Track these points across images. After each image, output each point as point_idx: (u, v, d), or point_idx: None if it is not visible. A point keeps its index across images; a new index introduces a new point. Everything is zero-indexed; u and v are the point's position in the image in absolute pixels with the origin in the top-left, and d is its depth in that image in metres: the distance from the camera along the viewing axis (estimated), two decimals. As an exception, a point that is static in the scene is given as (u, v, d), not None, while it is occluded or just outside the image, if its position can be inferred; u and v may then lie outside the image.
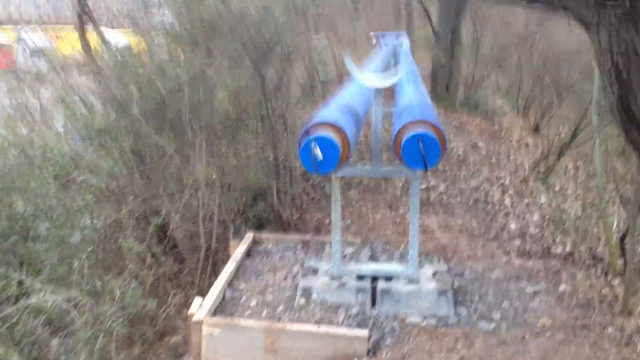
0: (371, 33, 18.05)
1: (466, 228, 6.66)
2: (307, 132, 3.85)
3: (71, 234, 4.94)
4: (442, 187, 8.24)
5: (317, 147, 3.64)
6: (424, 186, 7.78)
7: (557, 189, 9.86)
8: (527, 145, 12.84)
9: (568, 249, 6.38)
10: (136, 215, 5.90)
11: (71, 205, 5.30)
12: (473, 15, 15.32)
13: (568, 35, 14.25)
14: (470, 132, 11.67)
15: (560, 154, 9.48)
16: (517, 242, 6.48)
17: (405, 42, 14.52)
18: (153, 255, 5.61)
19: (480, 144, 10.92)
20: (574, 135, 9.03)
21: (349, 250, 5.73)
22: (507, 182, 8.94)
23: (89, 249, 4.81)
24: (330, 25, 21.50)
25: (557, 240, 6.63)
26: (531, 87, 15.96)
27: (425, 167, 3.78)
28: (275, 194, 6.48)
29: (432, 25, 12.86)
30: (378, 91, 4.48)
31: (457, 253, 5.90)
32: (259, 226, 6.69)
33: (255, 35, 6.20)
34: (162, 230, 6.05)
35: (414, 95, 4.98)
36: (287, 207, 6.64)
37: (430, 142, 3.73)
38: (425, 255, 5.62)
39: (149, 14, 8.47)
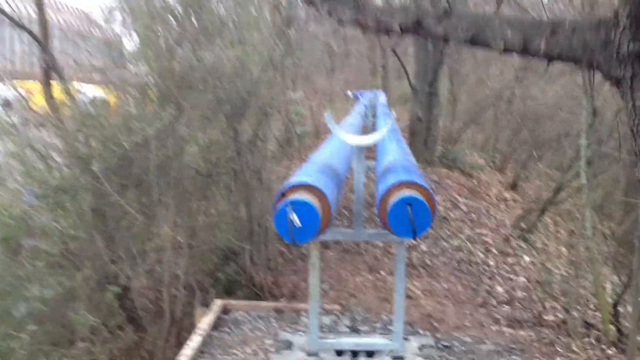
0: (348, 92, 18.01)
1: (452, 293, 6.26)
2: (282, 196, 3.46)
3: (16, 306, 4.41)
4: (424, 246, 7.87)
5: (294, 213, 3.25)
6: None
7: (539, 246, 9.56)
8: (505, 200, 12.62)
9: (560, 315, 6.01)
10: (93, 282, 5.37)
11: (19, 273, 4.78)
12: (450, 70, 15.37)
13: (545, 91, 14.31)
14: (449, 187, 11.41)
15: (542, 211, 9.23)
16: (506, 309, 6.09)
17: (382, 97, 14.45)
18: (109, 327, 5.07)
19: (460, 199, 10.64)
20: (557, 191, 8.81)
21: (327, 320, 5.26)
22: (489, 240, 8.61)
23: (36, 323, 4.27)
24: (307, 80, 21.57)
25: (547, 306, 6.26)
26: (507, 142, 15.94)
27: (415, 235, 3.40)
28: (248, 255, 6.03)
29: (409, 80, 12.76)
30: (360, 150, 4.13)
31: (444, 322, 5.47)
32: (230, 290, 6.20)
33: (230, 89, 5.87)
34: (122, 298, 5.52)
35: (397, 154, 4.65)
36: (260, 269, 6.18)
37: (420, 207, 3.36)
38: (409, 325, 5.18)
39: (121, 67, 8.16)
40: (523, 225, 10.13)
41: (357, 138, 4.14)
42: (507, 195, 13.09)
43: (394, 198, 3.45)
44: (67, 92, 7.88)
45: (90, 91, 8.20)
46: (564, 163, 12.51)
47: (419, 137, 13.46)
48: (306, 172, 3.89)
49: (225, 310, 5.56)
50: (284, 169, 8.98)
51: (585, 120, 6.50)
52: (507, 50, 2.71)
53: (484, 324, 5.59)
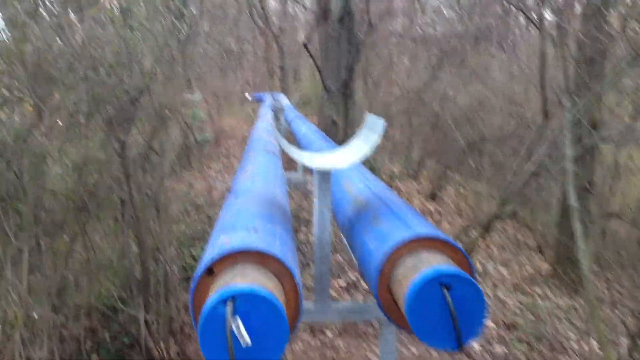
0: (247, 94, 16.51)
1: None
2: (208, 274, 1.86)
3: None
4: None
5: (240, 322, 1.68)
6: (343, 284, 5.94)
7: (481, 270, 8.48)
8: (431, 214, 11.56)
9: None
10: None
11: None
12: (361, 69, 14.19)
13: (466, 92, 13.49)
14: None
15: (486, 228, 8.14)
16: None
17: (283, 98, 12.98)
18: None
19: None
20: (503, 204, 7.75)
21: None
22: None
23: None
24: (200, 81, 19.64)
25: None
26: (421, 148, 15.01)
27: (461, 344, 1.92)
28: (142, 316, 4.28)
29: (322, 79, 11.37)
30: (325, 177, 2.57)
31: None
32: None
33: (111, 84, 4.11)
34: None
35: (371, 180, 3.16)
36: (160, 335, 4.45)
37: (466, 291, 1.89)
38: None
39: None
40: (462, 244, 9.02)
41: (326, 159, 2.62)
42: (430, 207, 12.05)
43: (413, 274, 1.93)
44: None
45: None
46: (487, 172, 11.68)
47: (333, 141, 12.14)
48: (242, 220, 2.27)
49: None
50: (184, 186, 7.25)
51: (568, 123, 5.38)
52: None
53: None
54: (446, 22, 16.86)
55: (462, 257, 2.08)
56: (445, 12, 16.81)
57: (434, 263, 1.93)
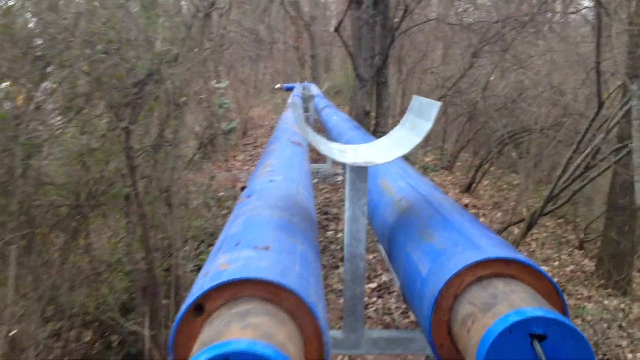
0: (278, 84, 16.10)
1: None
2: (196, 313, 1.33)
3: None
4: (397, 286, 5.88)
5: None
6: (374, 285, 5.37)
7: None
8: (466, 207, 10.88)
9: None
10: None
11: None
12: (398, 57, 13.54)
13: (506, 80, 12.73)
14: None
15: (529, 227, 7.46)
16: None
17: (314, 88, 12.46)
18: None
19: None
20: (549, 199, 7.05)
21: None
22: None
23: None
24: (230, 69, 19.19)
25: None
26: (458, 138, 14.30)
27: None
28: (147, 332, 3.78)
29: (355, 67, 10.75)
30: (362, 176, 1.98)
31: None
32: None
33: (113, 62, 3.59)
34: None
35: (416, 178, 2.57)
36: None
37: (567, 342, 1.31)
38: None
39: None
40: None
41: (362, 153, 2.05)
42: (465, 200, 11.37)
43: (488, 316, 1.36)
44: None
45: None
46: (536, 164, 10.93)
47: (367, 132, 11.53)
48: (251, 233, 1.71)
49: None
50: (205, 179, 6.76)
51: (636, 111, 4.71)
52: None
53: None
54: (485, 7, 16.05)
55: (549, 288, 1.50)
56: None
57: (516, 301, 1.35)
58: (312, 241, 1.83)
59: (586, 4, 16.86)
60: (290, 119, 5.38)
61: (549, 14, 14.14)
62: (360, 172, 1.89)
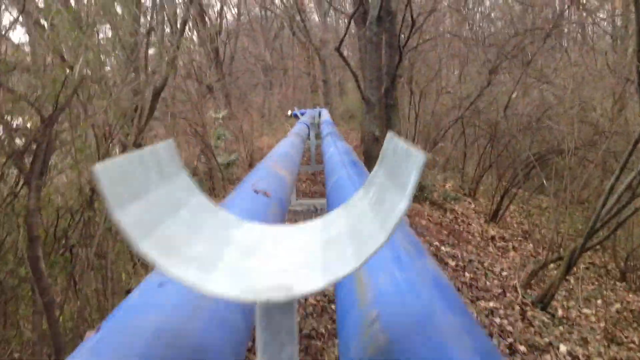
0: (289, 111, 15.25)
1: None
2: None
3: None
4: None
5: None
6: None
7: (562, 316, 6.64)
8: (493, 240, 9.76)
9: None
10: None
11: None
12: (409, 77, 12.58)
13: (529, 97, 11.69)
14: (424, 229, 8.43)
15: (569, 265, 6.28)
16: None
17: (324, 114, 11.53)
18: None
19: (443, 248, 7.68)
20: (591, 234, 5.94)
21: None
22: (505, 323, 5.63)
23: None
24: (242, 99, 18.42)
25: None
26: (479, 162, 13.21)
27: None
28: None
29: (360, 89, 9.80)
30: (276, 312, 0.96)
31: None
32: None
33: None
34: None
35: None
36: None
37: None
38: None
39: None
40: (533, 283, 7.26)
41: (278, 260, 1.05)
42: (491, 231, 10.24)
43: None
44: None
45: None
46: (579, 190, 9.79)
47: (376, 159, 10.47)
48: None
49: None
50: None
51: None
52: None
53: None
54: (500, 21, 15.09)
55: None
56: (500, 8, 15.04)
57: None
58: None
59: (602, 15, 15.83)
60: (277, 153, 4.42)
61: (574, 24, 13.12)
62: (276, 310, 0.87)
